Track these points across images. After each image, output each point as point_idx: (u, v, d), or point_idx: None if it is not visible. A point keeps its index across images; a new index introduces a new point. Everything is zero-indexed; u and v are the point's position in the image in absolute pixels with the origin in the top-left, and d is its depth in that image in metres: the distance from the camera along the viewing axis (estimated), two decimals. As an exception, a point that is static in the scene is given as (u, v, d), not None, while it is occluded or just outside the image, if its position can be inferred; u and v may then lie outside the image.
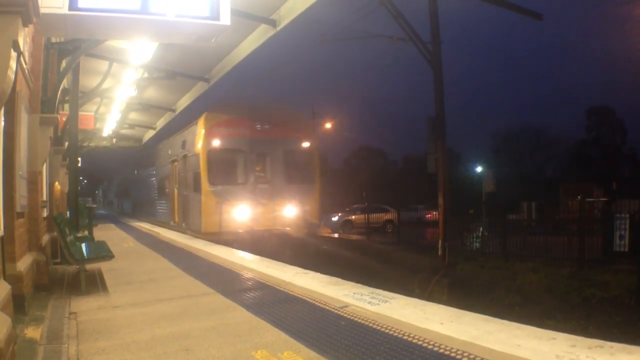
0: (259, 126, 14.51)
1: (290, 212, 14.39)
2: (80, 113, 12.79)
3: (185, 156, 16.04)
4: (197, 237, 13.88)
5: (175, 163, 17.64)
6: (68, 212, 13.15)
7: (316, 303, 5.45)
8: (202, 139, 14.19)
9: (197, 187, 14.48)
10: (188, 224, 15.82)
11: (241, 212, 13.81)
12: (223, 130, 14.24)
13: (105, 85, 13.68)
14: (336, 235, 22.96)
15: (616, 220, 12.36)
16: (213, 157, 14.12)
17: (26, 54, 5.77)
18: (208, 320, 4.91)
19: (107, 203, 53.23)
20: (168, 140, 19.62)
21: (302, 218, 14.51)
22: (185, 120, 18.68)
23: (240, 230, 13.70)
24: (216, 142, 14.04)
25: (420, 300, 5.44)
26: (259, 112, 14.84)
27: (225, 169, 14.43)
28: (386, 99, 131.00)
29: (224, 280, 7.23)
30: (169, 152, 18.76)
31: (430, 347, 3.78)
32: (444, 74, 13.28)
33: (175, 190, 17.81)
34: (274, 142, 14.64)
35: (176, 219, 17.77)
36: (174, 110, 19.70)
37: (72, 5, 4.62)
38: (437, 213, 21.41)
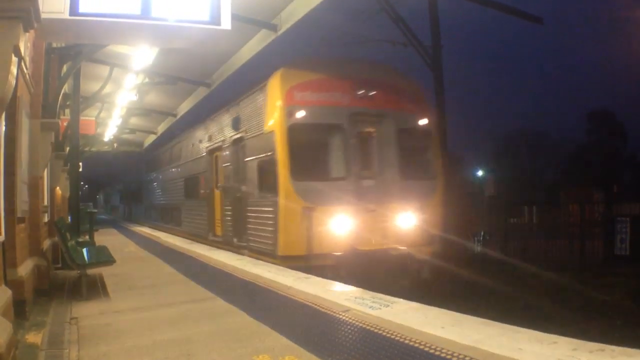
0: (361, 91, 9.68)
1: (407, 221, 9.63)
2: (81, 118, 12.88)
3: (240, 140, 11.17)
4: (269, 262, 9.15)
5: (217, 153, 13.05)
6: (69, 217, 13.18)
7: (317, 307, 5.44)
8: (278, 109, 9.35)
9: (267, 184, 9.74)
10: (247, 240, 10.74)
11: (340, 224, 9.03)
12: (309, 95, 9.46)
13: (106, 90, 13.72)
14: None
15: (617, 223, 12.39)
16: (296, 136, 9.19)
17: (27, 59, 5.79)
18: (209, 325, 4.90)
19: (111, 208, 51.91)
20: (204, 123, 14.50)
21: (423, 230, 9.77)
22: (184, 123, 18.10)
23: (339, 253, 8.86)
24: (301, 113, 9.24)
25: (422, 304, 5.43)
26: (358, 72, 10.14)
27: (314, 156, 9.66)
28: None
29: (225, 285, 7.21)
30: (206, 138, 13.95)
31: (432, 351, 3.77)
32: (445, 78, 13.36)
33: (217, 191, 13.12)
34: (383, 117, 9.85)
35: (218, 232, 13.12)
36: (175, 115, 19.77)
37: (73, 11, 4.65)
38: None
